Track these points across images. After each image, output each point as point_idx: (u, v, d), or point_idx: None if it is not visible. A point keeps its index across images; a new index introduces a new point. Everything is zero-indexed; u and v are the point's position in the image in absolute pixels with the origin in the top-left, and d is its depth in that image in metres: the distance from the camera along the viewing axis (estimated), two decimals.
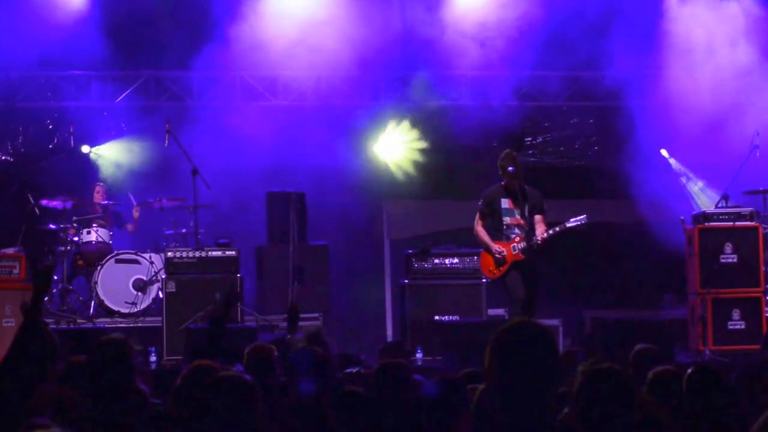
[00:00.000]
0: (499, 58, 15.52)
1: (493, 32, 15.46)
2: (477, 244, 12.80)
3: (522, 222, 12.01)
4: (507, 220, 12.08)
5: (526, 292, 11.92)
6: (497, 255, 11.99)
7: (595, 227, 13.25)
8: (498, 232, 12.12)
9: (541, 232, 11.89)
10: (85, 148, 16.24)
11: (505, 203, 12.07)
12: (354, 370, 9.26)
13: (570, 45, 15.23)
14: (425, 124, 16.11)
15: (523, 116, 16.39)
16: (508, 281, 12.03)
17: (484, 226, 12.15)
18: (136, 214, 15.30)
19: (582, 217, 11.93)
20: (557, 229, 11.93)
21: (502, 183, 12.03)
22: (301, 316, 14.09)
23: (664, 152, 16.08)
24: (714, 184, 14.27)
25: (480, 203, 12.17)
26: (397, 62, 15.83)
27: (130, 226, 15.31)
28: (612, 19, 15.06)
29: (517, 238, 11.99)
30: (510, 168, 11.81)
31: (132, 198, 15.45)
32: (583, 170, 16.50)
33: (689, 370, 5.83)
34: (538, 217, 11.95)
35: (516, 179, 11.85)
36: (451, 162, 16.22)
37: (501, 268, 12.01)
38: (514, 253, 11.93)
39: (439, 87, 16.18)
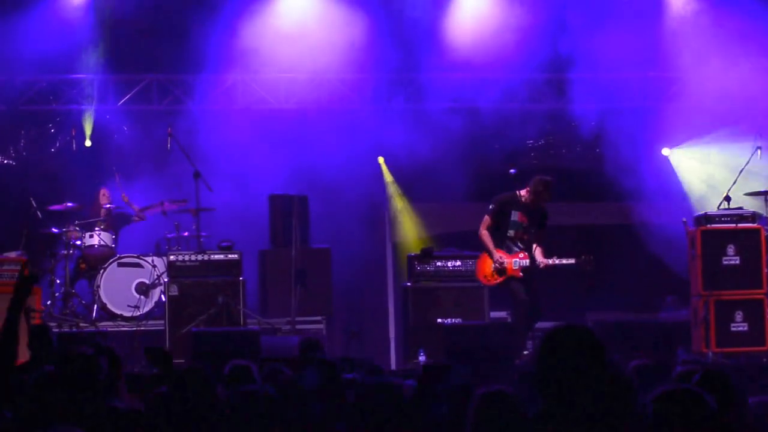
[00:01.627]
0: (502, 60, 15.52)
1: (495, 34, 15.46)
2: (479, 247, 12.84)
3: (526, 237, 12.13)
4: (511, 232, 12.23)
5: (531, 298, 12.03)
6: (497, 264, 12.10)
7: (598, 229, 13.29)
8: (499, 241, 12.23)
9: (541, 255, 12.02)
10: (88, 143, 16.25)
11: (516, 216, 12.20)
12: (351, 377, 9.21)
13: (570, 46, 15.24)
14: (427, 126, 16.09)
15: (524, 117, 16.37)
16: (512, 286, 12.11)
17: (489, 230, 12.22)
18: (125, 199, 15.16)
19: (572, 260, 12.20)
20: (562, 261, 12.05)
21: (519, 193, 12.13)
22: (304, 319, 14.13)
23: (665, 151, 16.07)
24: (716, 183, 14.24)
25: (491, 207, 12.26)
26: (399, 64, 15.83)
27: (135, 217, 15.26)
28: (612, 19, 15.06)
29: (521, 254, 12.12)
30: (543, 194, 12.04)
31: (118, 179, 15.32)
32: (585, 173, 16.48)
33: (696, 377, 5.79)
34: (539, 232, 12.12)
35: (542, 203, 12.01)
36: (455, 165, 16.20)
37: (496, 278, 12.13)
38: (514, 268, 12.08)
39: (442, 88, 16.17)
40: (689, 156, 16.01)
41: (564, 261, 12.24)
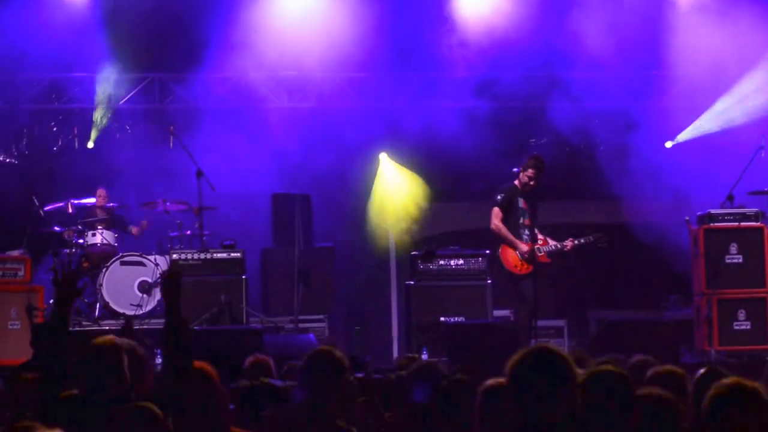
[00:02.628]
0: (502, 59, 15.52)
1: (496, 34, 15.45)
2: (480, 246, 12.86)
3: (529, 223, 12.20)
4: (521, 219, 12.29)
5: (535, 298, 12.11)
6: (524, 255, 12.18)
7: (601, 228, 13.28)
8: (512, 230, 12.29)
9: (545, 239, 12.15)
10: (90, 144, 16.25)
11: (521, 203, 12.28)
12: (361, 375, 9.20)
13: (572, 44, 15.23)
14: (429, 124, 16.08)
15: (526, 115, 16.37)
16: (522, 285, 12.17)
17: (502, 222, 12.32)
18: (144, 225, 15.19)
19: (591, 238, 12.42)
20: (581, 241, 12.22)
21: (516, 183, 12.22)
22: (307, 318, 14.13)
23: (669, 144, 16.06)
24: (718, 184, 14.22)
25: (499, 198, 12.33)
26: (401, 63, 15.83)
27: (134, 229, 15.27)
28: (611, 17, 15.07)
29: (540, 241, 12.20)
30: (536, 171, 12.14)
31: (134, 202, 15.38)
32: (587, 170, 16.47)
33: (700, 371, 5.79)
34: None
35: (537, 183, 12.08)
36: (456, 164, 16.19)
37: (526, 267, 12.19)
38: (539, 254, 12.16)
39: (443, 87, 16.17)
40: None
41: (583, 240, 12.40)
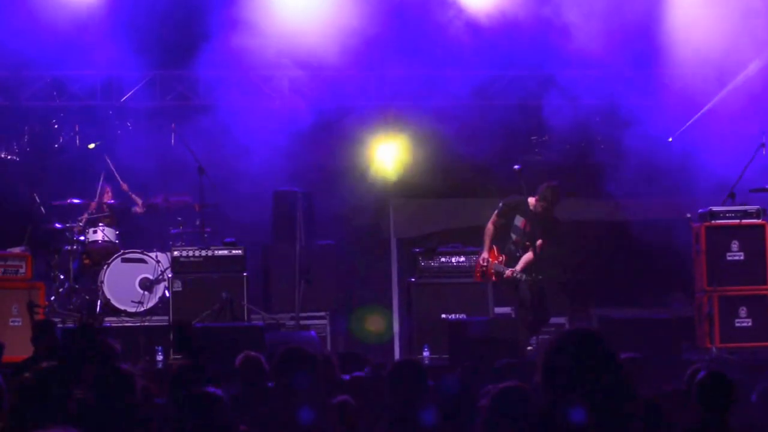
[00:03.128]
0: (504, 57, 15.51)
1: (497, 30, 15.44)
2: (481, 243, 12.87)
3: (527, 244, 12.16)
4: (513, 236, 12.33)
5: (538, 304, 12.11)
6: (482, 263, 12.28)
7: (603, 225, 13.30)
8: (504, 242, 12.37)
9: (522, 264, 12.17)
10: (91, 145, 16.26)
11: (519, 221, 12.28)
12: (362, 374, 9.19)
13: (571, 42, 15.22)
14: (431, 122, 16.07)
15: (528, 114, 16.36)
16: (520, 292, 12.25)
17: (495, 227, 12.35)
18: (125, 187, 15.15)
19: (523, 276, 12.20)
20: (518, 275, 12.19)
21: (529, 200, 12.17)
22: (308, 315, 14.12)
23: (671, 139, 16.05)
24: (720, 181, 14.21)
25: (499, 206, 12.39)
26: (402, 61, 15.81)
27: (137, 208, 15.25)
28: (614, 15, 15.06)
29: (501, 258, 12.24)
30: (552, 201, 12.14)
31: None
32: (589, 168, 16.46)
33: (700, 376, 5.73)
34: (537, 243, 12.10)
35: (548, 212, 12.02)
36: (458, 160, 16.19)
37: (481, 277, 12.36)
38: (491, 271, 12.25)
39: (445, 85, 16.16)
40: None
41: (518, 275, 12.21)
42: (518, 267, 12.22)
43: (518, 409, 4.96)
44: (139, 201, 15.26)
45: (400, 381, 6.08)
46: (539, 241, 11.96)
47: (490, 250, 12.41)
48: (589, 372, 3.84)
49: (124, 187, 15.16)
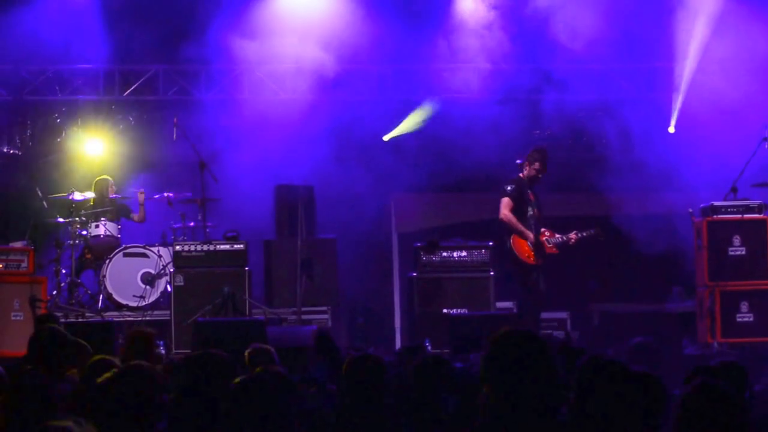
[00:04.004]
0: (511, 51, 15.52)
1: (501, 25, 15.45)
2: (483, 237, 12.90)
3: (538, 215, 12.36)
4: (530, 211, 12.43)
5: (545, 289, 12.26)
6: (535, 244, 12.34)
7: (603, 220, 13.32)
8: (522, 221, 12.46)
9: (551, 231, 12.34)
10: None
11: (528, 195, 12.44)
12: None
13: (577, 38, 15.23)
14: (433, 117, 16.08)
15: (530, 110, 16.36)
16: (532, 277, 12.30)
17: (512, 212, 12.47)
18: (141, 197, 15.15)
19: (592, 231, 12.72)
20: (583, 234, 12.63)
21: (521, 175, 12.36)
22: (310, 309, 14.14)
23: (671, 129, 16.04)
24: (722, 176, 14.21)
25: (509, 189, 12.50)
26: (405, 55, 15.82)
27: (135, 216, 15.26)
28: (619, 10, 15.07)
29: (547, 233, 12.39)
30: (541, 164, 12.43)
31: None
32: (590, 163, 16.47)
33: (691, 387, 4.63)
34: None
35: (541, 174, 12.22)
36: (461, 155, 16.20)
37: (538, 259, 12.35)
38: (549, 245, 12.34)
39: (446, 80, 16.16)
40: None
41: (585, 234, 12.70)
42: (559, 234, 12.63)
43: None
44: (141, 215, 15.21)
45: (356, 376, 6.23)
46: None
47: (530, 230, 12.52)
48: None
49: (141, 197, 15.13)
